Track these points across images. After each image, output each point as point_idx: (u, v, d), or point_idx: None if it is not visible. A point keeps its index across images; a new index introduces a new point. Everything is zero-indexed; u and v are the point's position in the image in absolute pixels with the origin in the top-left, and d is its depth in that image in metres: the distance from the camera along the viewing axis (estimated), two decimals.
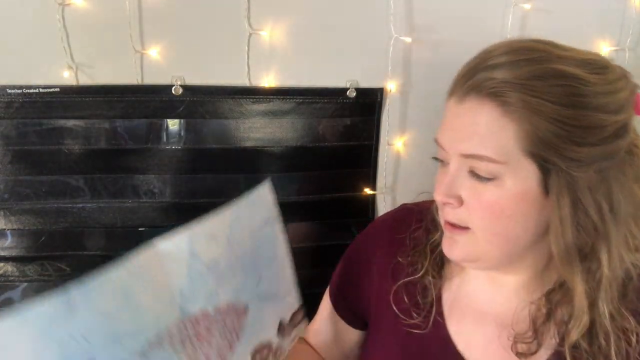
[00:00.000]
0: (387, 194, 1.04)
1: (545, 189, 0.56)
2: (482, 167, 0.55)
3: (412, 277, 0.70)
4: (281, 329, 0.67)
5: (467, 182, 0.57)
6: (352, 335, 0.80)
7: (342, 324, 0.79)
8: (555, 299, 0.61)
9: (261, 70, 0.94)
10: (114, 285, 0.49)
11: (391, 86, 0.98)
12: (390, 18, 0.94)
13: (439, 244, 0.66)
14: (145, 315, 0.51)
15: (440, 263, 0.70)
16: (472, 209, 0.58)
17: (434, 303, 0.68)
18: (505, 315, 0.65)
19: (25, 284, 0.94)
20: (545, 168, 0.55)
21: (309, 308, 0.84)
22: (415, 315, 0.68)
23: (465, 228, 0.59)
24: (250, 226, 0.61)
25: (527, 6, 0.97)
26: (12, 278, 0.94)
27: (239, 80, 0.94)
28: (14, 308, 0.43)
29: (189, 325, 0.55)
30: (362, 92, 0.98)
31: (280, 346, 0.67)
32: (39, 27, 0.86)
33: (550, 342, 0.62)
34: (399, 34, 0.95)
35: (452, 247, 0.61)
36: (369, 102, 0.99)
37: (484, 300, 0.67)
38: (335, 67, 0.96)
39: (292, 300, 0.69)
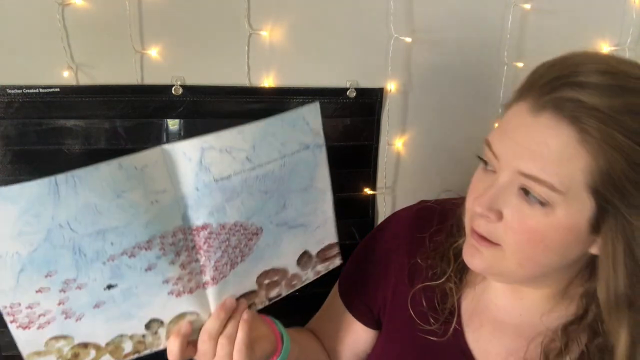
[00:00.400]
0: (387, 194, 1.04)
1: (595, 226, 0.52)
2: (538, 191, 0.51)
3: (432, 282, 0.67)
4: (304, 259, 0.64)
5: (514, 199, 0.53)
6: (362, 334, 0.76)
7: (352, 321, 0.76)
8: (572, 334, 0.59)
9: (261, 70, 0.94)
10: (103, 179, 0.48)
11: (391, 86, 0.98)
12: (390, 18, 0.94)
13: (462, 249, 0.63)
14: (137, 215, 0.50)
15: (463, 270, 0.67)
16: (510, 228, 0.53)
17: (453, 311, 0.66)
18: (526, 327, 0.63)
19: None
20: (603, 208, 0.50)
21: (310, 308, 0.84)
22: (432, 321, 0.66)
23: (495, 244, 0.55)
24: (282, 148, 0.57)
25: (527, 6, 0.97)
26: None
27: (239, 80, 0.94)
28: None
29: (189, 235, 0.54)
30: (362, 92, 0.98)
31: (298, 276, 0.65)
32: (39, 27, 0.86)
33: None
34: (399, 34, 0.95)
35: (475, 256, 0.58)
36: (369, 102, 0.99)
37: (504, 310, 0.65)
38: (335, 67, 0.97)
39: (323, 234, 0.65)
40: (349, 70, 0.97)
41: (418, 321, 0.67)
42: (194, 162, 0.52)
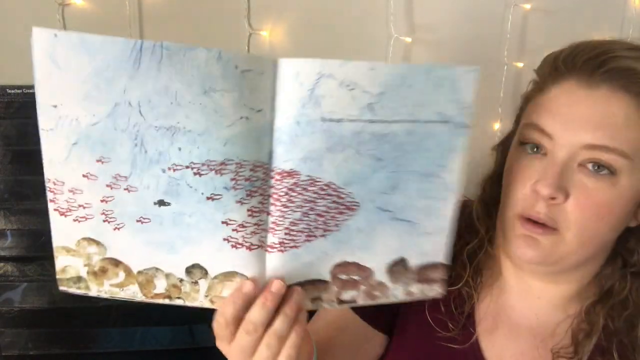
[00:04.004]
0: None
1: None
2: (607, 160, 0.51)
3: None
4: (397, 269, 0.51)
5: (576, 176, 0.53)
6: (371, 338, 0.72)
7: (359, 324, 0.70)
8: (600, 313, 0.59)
9: None
10: (195, 65, 0.40)
11: None
12: (391, 18, 0.94)
13: (475, 251, 0.63)
14: (219, 126, 0.42)
15: (478, 272, 0.65)
16: (577, 207, 0.53)
17: (470, 315, 0.64)
18: (542, 328, 0.62)
19: (25, 284, 0.94)
20: None
21: (310, 313, 0.82)
22: (451, 327, 0.64)
23: (553, 229, 0.54)
24: (416, 110, 0.45)
25: (527, 6, 0.98)
26: (12, 278, 0.94)
27: None
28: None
29: (269, 178, 0.44)
30: None
31: (384, 287, 0.51)
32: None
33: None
34: (399, 34, 0.95)
35: (530, 247, 0.55)
36: None
37: (520, 312, 0.64)
38: None
39: (431, 246, 0.51)
40: None
41: (436, 328, 0.65)
42: (305, 87, 0.42)
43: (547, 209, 0.54)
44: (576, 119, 0.52)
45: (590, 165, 0.52)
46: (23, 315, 0.95)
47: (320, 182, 0.45)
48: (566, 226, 0.54)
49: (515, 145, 0.59)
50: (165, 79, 0.40)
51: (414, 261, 0.51)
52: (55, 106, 0.41)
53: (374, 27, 0.95)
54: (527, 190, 0.55)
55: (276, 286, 0.46)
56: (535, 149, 0.56)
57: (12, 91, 0.87)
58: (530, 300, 0.64)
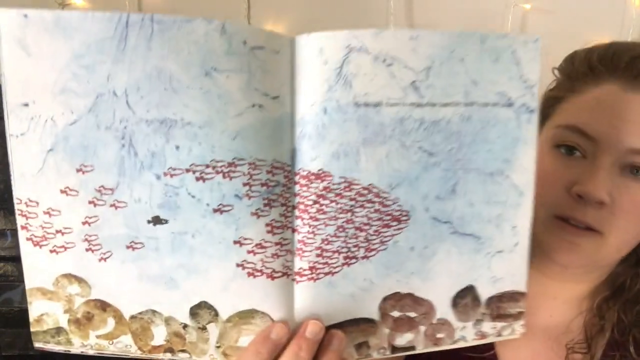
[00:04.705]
0: None
1: None
2: None
3: None
4: (465, 302, 0.40)
5: (618, 179, 0.53)
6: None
7: None
8: (612, 308, 0.60)
9: None
10: (193, 41, 0.33)
11: None
12: (391, 18, 0.94)
13: None
14: (225, 115, 0.34)
15: None
16: (622, 210, 0.53)
17: None
18: (555, 327, 0.62)
19: None
20: None
21: None
22: None
23: (597, 232, 0.54)
24: (471, 89, 0.36)
25: (527, 6, 0.98)
26: (12, 278, 0.94)
27: None
28: None
29: (292, 183, 0.35)
30: None
31: (449, 326, 0.40)
32: None
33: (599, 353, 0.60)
34: None
35: (573, 251, 0.56)
36: None
37: (534, 314, 0.62)
38: None
39: (506, 268, 0.40)
40: None
41: None
42: (331, 66, 0.34)
43: (596, 213, 0.53)
44: (623, 123, 0.52)
45: (629, 169, 0.52)
46: (23, 315, 0.95)
47: (358, 184, 0.36)
48: (609, 229, 0.54)
49: (546, 147, 0.58)
50: (156, 59, 0.32)
51: (485, 290, 0.40)
52: (26, 104, 0.33)
53: (374, 27, 0.95)
54: (564, 192, 0.54)
55: (312, 330, 0.36)
56: (570, 151, 0.55)
57: None
58: (545, 301, 0.64)
